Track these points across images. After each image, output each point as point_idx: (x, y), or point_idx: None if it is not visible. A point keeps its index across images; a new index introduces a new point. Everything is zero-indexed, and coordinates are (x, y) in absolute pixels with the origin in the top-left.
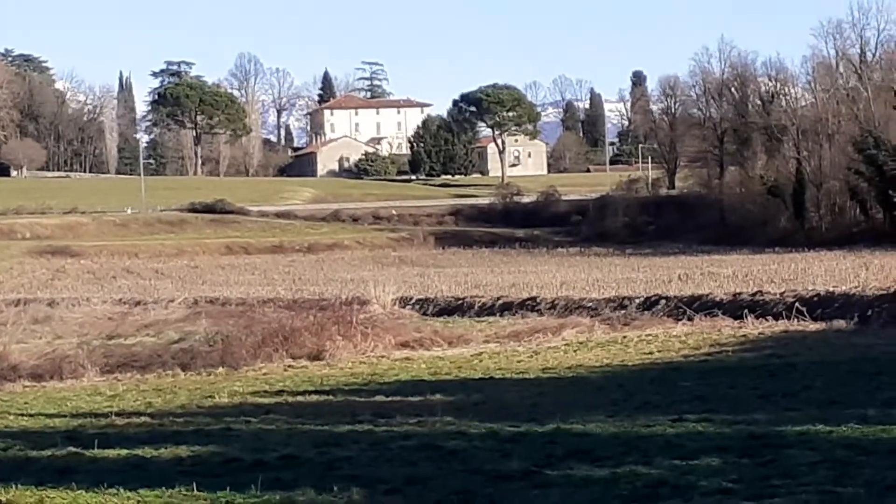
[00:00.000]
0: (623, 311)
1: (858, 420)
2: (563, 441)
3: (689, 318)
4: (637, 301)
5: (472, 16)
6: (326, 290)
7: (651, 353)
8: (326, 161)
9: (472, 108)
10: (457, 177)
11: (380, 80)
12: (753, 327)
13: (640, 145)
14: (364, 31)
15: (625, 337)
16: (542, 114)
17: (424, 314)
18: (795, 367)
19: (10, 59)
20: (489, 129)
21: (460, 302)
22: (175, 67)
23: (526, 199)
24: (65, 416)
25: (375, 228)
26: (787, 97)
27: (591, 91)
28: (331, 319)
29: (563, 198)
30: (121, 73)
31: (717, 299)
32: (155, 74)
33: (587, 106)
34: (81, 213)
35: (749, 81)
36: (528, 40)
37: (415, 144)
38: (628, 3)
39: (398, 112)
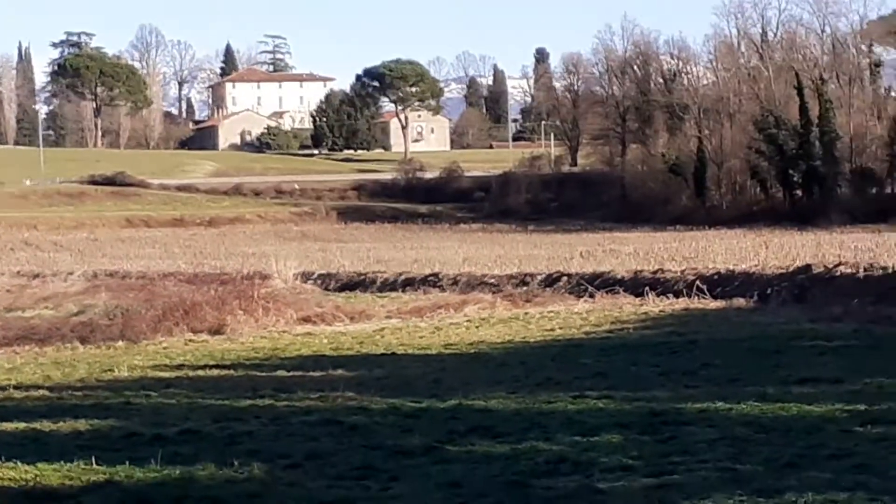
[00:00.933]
0: (525, 288)
1: (757, 398)
2: (465, 417)
3: (591, 296)
4: (539, 278)
5: None
6: (228, 265)
7: (553, 329)
8: (228, 135)
9: (375, 83)
10: (359, 152)
11: (282, 53)
12: (654, 305)
13: (543, 122)
14: (267, 4)
15: (527, 314)
16: (446, 89)
17: (326, 289)
18: (696, 345)
19: None
20: (392, 105)
21: (362, 277)
22: (75, 38)
23: (429, 175)
24: None
25: (277, 203)
26: (689, 76)
27: (495, 67)
28: (232, 294)
29: (466, 174)
30: (20, 43)
31: (619, 277)
32: (55, 45)
33: (490, 82)
34: None
35: (651, 60)
36: (432, 15)
37: (317, 119)
38: None
39: (301, 86)
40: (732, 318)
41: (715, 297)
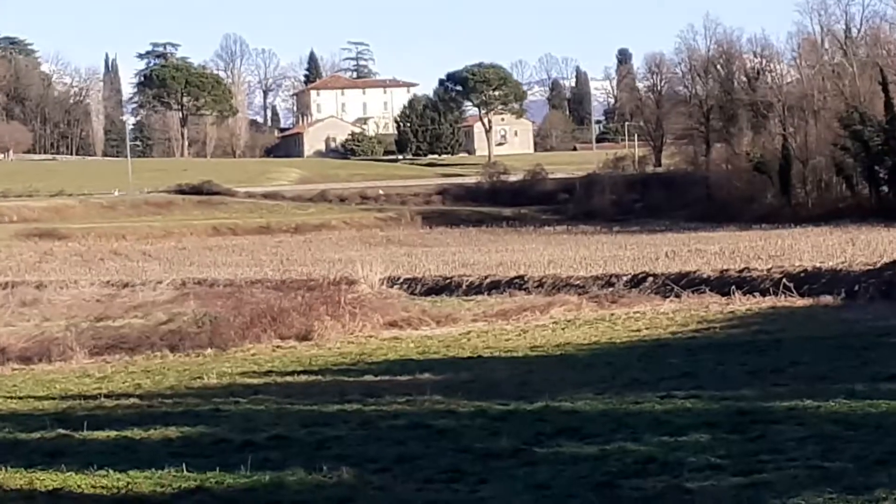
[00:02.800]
0: (611, 289)
1: (846, 395)
2: (552, 419)
3: (677, 296)
4: (625, 279)
5: None
6: (314, 271)
7: (639, 330)
8: (313, 142)
9: (459, 88)
10: (443, 156)
11: (366, 60)
12: (741, 304)
13: (627, 123)
14: (350, 11)
15: (613, 314)
16: (529, 92)
17: (412, 294)
18: (783, 343)
19: None
20: (475, 109)
21: (448, 281)
22: (161, 49)
23: (513, 178)
24: (54, 399)
25: (362, 208)
26: (773, 74)
27: (577, 69)
28: (319, 300)
29: (550, 176)
30: (106, 55)
31: (705, 276)
32: (141, 56)
33: (573, 84)
34: (68, 195)
35: (734, 58)
36: (514, 19)
37: (401, 124)
38: None
39: (384, 92)
40: (820, 315)
41: (802, 295)
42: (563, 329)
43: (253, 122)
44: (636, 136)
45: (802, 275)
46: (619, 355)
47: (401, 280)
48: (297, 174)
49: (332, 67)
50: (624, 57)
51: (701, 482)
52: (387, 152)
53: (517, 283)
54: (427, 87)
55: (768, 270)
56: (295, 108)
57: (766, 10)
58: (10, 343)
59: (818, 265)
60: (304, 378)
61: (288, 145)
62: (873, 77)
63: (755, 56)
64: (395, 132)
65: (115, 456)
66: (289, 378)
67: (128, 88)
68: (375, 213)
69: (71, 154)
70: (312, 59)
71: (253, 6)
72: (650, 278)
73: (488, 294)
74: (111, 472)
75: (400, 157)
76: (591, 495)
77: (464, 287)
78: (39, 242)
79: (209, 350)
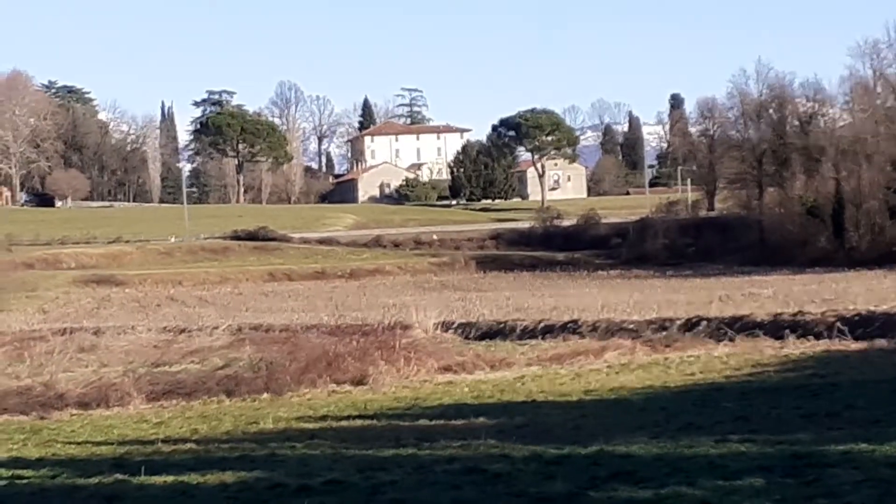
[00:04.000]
0: (664, 333)
1: None
2: (607, 463)
3: (731, 339)
4: (678, 323)
5: (509, 41)
6: (369, 316)
7: (693, 374)
8: (367, 187)
9: (512, 133)
10: (497, 201)
11: (419, 106)
12: (795, 347)
13: (679, 167)
14: (403, 58)
15: (666, 358)
16: (581, 137)
17: (466, 338)
18: (838, 387)
19: (53, 90)
20: (528, 154)
21: (502, 325)
22: (216, 97)
23: (566, 223)
24: (111, 444)
25: (416, 253)
26: (825, 117)
27: (630, 114)
28: (374, 344)
29: (603, 220)
30: (162, 102)
31: (758, 320)
32: (196, 104)
33: (626, 129)
34: (126, 241)
35: (787, 102)
36: (566, 64)
37: (455, 169)
38: (665, 26)
39: (438, 138)
40: (874, 359)
41: (856, 339)
42: (616, 373)
43: (308, 169)
44: (689, 180)
45: (856, 318)
46: (673, 399)
47: (455, 325)
48: (352, 220)
49: (385, 114)
50: (676, 101)
51: None
52: (440, 197)
53: (571, 328)
54: (480, 133)
55: (822, 314)
56: (349, 155)
57: (818, 53)
58: (69, 389)
59: (872, 308)
60: (359, 423)
61: (342, 191)
62: None
63: (807, 100)
64: (449, 177)
65: (172, 501)
66: (344, 423)
67: (184, 136)
68: (429, 258)
69: (128, 201)
70: (366, 106)
71: (307, 53)
72: (704, 322)
73: (542, 338)
74: None
75: (453, 202)
76: None
77: (518, 331)
78: (97, 289)
79: (265, 395)
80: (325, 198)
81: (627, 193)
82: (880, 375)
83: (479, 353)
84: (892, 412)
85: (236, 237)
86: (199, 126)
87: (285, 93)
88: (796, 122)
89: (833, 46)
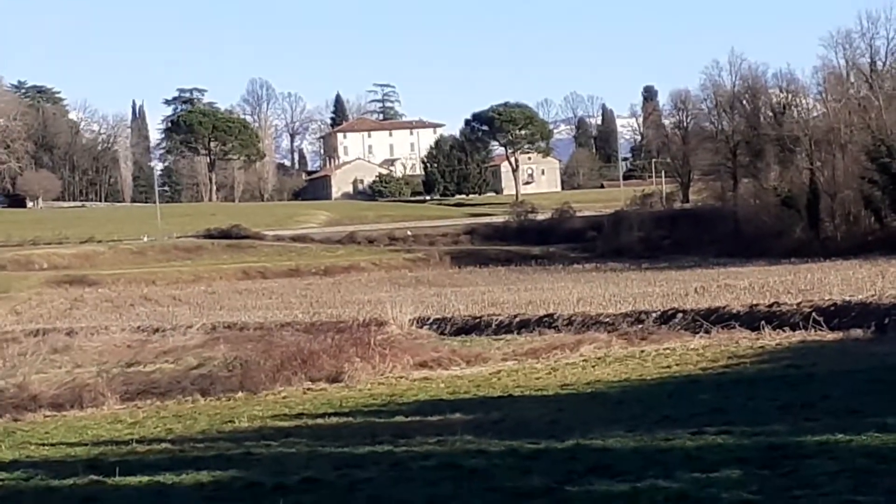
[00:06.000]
0: (640, 326)
1: (878, 429)
2: (584, 457)
3: (707, 331)
4: (654, 315)
5: (481, 35)
6: (344, 313)
7: (669, 366)
8: (341, 184)
9: (485, 128)
10: (471, 196)
11: (392, 101)
12: (771, 338)
13: (654, 160)
14: (375, 54)
15: (642, 351)
16: (555, 131)
17: (442, 334)
18: (814, 378)
19: (23, 91)
20: (502, 148)
21: (477, 321)
22: (187, 95)
23: (540, 217)
24: (86, 445)
25: (391, 249)
26: (799, 108)
27: (603, 107)
28: (349, 341)
29: (578, 214)
30: (133, 101)
31: (734, 311)
32: (168, 102)
33: (599, 122)
34: (98, 241)
35: (760, 93)
36: (539, 58)
37: (428, 165)
38: (637, 18)
39: (411, 133)
40: (850, 349)
41: (832, 329)
42: (593, 367)
43: (280, 166)
44: (663, 172)
45: (832, 309)
46: (650, 392)
47: (430, 320)
48: (326, 217)
49: (358, 110)
50: (649, 94)
51: None
52: (414, 193)
53: (546, 322)
54: (453, 128)
55: (798, 305)
56: (322, 151)
57: (791, 44)
58: (42, 390)
59: (848, 299)
60: (334, 420)
61: (315, 188)
62: None
63: (781, 91)
64: (423, 173)
65: (148, 501)
66: (320, 420)
67: (155, 134)
68: (404, 254)
69: (100, 201)
70: (339, 102)
71: (278, 51)
72: (680, 314)
73: (518, 333)
74: None
75: (427, 197)
76: None
77: (493, 326)
78: (70, 289)
79: (240, 394)
80: (298, 195)
81: (602, 186)
82: (856, 365)
83: (455, 348)
84: (868, 402)
85: (209, 236)
86: (170, 124)
87: (257, 90)
88: (770, 113)
89: (806, 37)
